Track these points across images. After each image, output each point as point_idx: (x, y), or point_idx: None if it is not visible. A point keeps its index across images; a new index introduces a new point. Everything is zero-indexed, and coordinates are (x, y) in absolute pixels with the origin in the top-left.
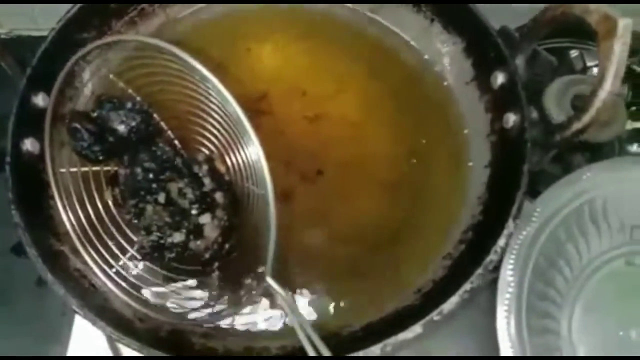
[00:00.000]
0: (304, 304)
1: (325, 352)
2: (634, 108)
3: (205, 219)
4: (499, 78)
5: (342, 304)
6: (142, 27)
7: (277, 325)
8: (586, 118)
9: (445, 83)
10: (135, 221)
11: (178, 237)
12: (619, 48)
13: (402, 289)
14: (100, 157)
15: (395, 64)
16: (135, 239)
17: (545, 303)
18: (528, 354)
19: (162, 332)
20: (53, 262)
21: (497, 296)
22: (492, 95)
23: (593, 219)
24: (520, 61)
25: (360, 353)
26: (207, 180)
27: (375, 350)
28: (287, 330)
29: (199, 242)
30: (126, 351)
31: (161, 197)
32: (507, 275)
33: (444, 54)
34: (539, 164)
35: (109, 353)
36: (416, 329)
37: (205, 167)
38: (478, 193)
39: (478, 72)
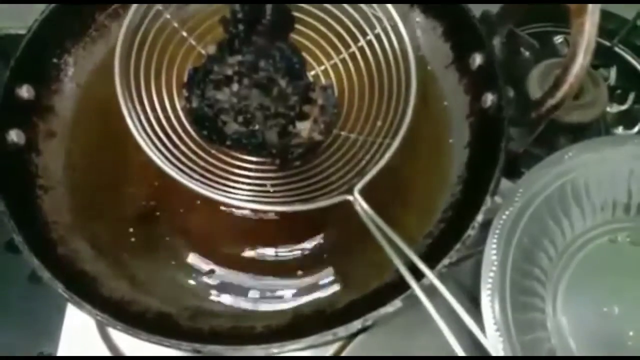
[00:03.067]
0: (291, 287)
1: (426, 271)
2: (619, 91)
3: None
4: (477, 59)
5: (326, 285)
6: (126, 19)
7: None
8: (560, 94)
9: (427, 67)
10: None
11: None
12: (590, 24)
13: (384, 268)
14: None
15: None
16: None
17: (529, 281)
18: (512, 332)
19: (149, 314)
20: (40, 249)
21: (481, 275)
22: (470, 77)
23: (575, 198)
24: (496, 42)
25: (342, 328)
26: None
27: (356, 324)
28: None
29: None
30: (119, 342)
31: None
32: (491, 254)
33: (423, 38)
34: (522, 145)
35: (100, 344)
36: (396, 303)
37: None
38: (458, 172)
39: (457, 55)
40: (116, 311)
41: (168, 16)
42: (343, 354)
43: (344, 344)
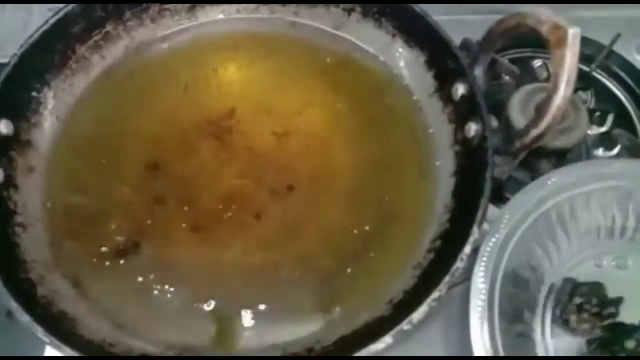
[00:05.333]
0: (276, 322)
1: None
2: (598, 114)
3: None
4: (460, 89)
5: (314, 320)
6: (107, 52)
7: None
8: (543, 124)
9: (411, 96)
10: None
11: None
12: (570, 56)
13: (373, 301)
14: None
15: (360, 78)
16: None
17: (518, 308)
18: None
19: (132, 355)
20: (18, 290)
21: (470, 305)
22: (454, 107)
23: (560, 223)
24: (479, 72)
25: None
26: None
27: None
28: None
29: None
30: None
31: None
32: (479, 282)
33: (406, 68)
34: (506, 171)
35: None
36: (387, 339)
37: None
38: (445, 202)
39: (440, 84)
40: (98, 353)
41: None
42: None
43: None
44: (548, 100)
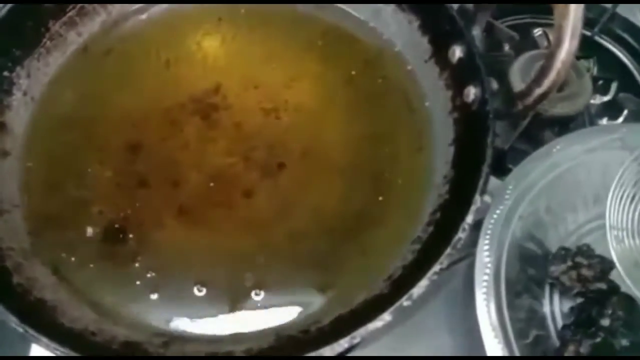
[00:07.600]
0: (271, 303)
1: None
2: (601, 82)
3: None
4: (457, 52)
5: (309, 300)
6: (82, 27)
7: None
8: (547, 81)
9: (404, 63)
10: None
11: None
12: (574, 7)
13: (371, 278)
14: None
15: (350, 47)
16: None
17: (525, 281)
18: (510, 334)
19: (115, 344)
20: None
21: (475, 278)
22: (451, 71)
23: (567, 192)
24: (476, 32)
25: (327, 348)
26: None
27: (343, 343)
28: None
29: None
30: None
31: None
32: (484, 256)
33: (399, 33)
34: (508, 141)
35: None
36: (385, 317)
37: None
38: (444, 172)
39: (435, 48)
40: (78, 342)
41: None
42: None
43: None
44: (551, 55)
